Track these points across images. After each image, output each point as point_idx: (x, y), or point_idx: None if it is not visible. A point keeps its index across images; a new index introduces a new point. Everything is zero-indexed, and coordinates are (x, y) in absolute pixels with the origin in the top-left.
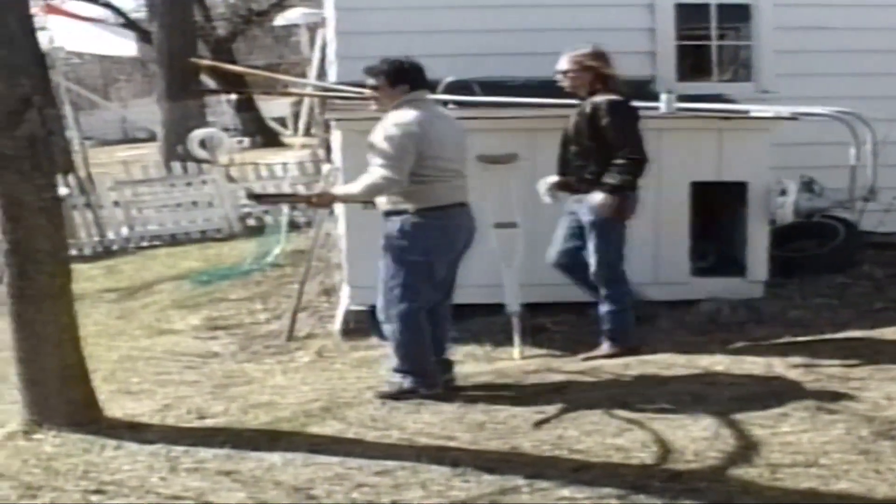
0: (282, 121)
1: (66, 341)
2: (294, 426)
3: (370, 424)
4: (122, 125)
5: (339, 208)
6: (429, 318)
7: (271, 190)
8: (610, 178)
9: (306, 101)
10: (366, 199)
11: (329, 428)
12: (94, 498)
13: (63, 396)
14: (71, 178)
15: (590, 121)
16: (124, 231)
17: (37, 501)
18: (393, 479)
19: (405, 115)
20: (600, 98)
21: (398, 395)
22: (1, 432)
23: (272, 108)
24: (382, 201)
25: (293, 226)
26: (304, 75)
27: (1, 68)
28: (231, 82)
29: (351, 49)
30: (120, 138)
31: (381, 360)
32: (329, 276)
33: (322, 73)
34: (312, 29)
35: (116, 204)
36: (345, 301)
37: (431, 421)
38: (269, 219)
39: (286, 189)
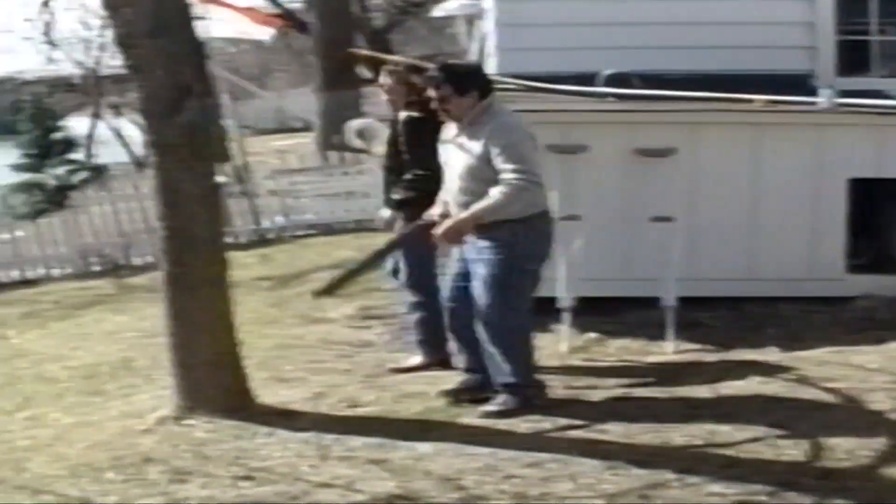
0: None
1: (220, 328)
2: (446, 416)
3: (522, 415)
4: (278, 115)
5: None
6: None
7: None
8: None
9: None
10: (499, 215)
11: (480, 419)
12: (243, 484)
13: (215, 383)
14: (227, 167)
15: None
16: (280, 219)
17: (186, 486)
18: (543, 471)
19: (509, 121)
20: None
21: (509, 413)
22: (153, 417)
23: None
24: None
25: None
26: None
27: (161, 57)
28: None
29: (511, 41)
30: (275, 127)
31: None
32: None
33: None
34: (470, 20)
35: (272, 192)
36: None
37: (583, 413)
38: None
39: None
